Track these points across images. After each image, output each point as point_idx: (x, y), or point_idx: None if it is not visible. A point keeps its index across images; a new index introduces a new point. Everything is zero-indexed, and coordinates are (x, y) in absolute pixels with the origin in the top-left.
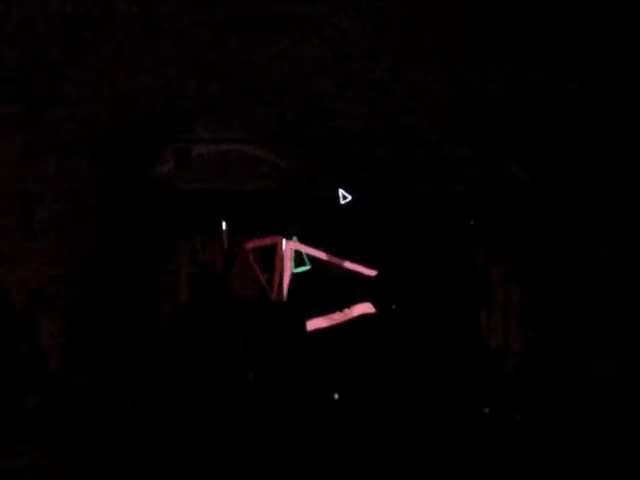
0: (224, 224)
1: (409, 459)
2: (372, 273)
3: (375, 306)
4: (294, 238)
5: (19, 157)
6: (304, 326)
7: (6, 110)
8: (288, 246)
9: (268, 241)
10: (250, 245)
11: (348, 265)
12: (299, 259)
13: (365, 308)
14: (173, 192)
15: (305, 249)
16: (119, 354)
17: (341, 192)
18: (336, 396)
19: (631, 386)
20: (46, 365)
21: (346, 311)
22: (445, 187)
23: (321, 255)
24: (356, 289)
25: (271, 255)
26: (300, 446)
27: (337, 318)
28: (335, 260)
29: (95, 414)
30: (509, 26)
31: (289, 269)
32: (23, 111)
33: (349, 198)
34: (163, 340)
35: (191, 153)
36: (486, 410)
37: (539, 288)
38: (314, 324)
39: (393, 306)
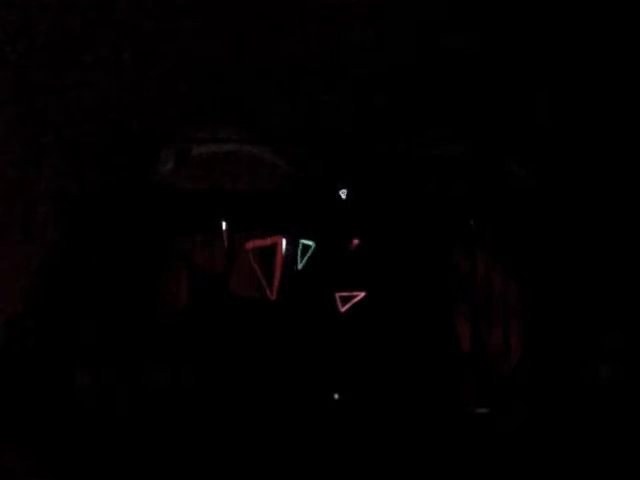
0: (224, 224)
1: (405, 460)
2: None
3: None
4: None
5: (19, 159)
6: (303, 326)
7: (6, 111)
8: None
9: (268, 241)
10: (250, 245)
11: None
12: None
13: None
14: (173, 192)
15: None
16: (119, 355)
17: (341, 192)
18: (336, 396)
19: (631, 386)
20: (47, 367)
21: None
22: (445, 187)
23: None
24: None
25: (271, 255)
26: (299, 445)
27: None
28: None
29: (94, 416)
30: None
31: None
32: (23, 112)
33: (348, 197)
34: (163, 341)
35: (191, 153)
36: (484, 410)
37: (539, 288)
38: None
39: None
